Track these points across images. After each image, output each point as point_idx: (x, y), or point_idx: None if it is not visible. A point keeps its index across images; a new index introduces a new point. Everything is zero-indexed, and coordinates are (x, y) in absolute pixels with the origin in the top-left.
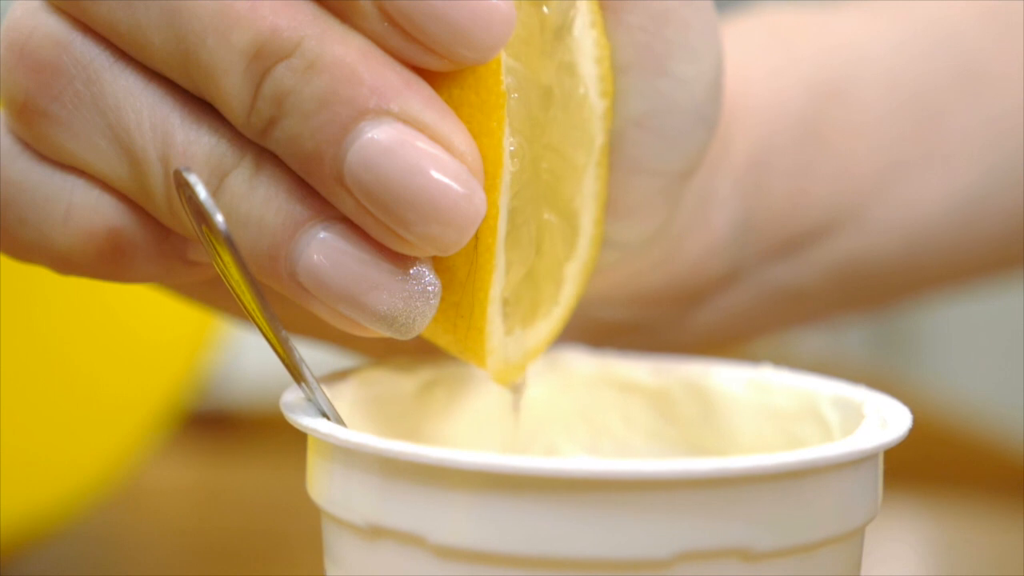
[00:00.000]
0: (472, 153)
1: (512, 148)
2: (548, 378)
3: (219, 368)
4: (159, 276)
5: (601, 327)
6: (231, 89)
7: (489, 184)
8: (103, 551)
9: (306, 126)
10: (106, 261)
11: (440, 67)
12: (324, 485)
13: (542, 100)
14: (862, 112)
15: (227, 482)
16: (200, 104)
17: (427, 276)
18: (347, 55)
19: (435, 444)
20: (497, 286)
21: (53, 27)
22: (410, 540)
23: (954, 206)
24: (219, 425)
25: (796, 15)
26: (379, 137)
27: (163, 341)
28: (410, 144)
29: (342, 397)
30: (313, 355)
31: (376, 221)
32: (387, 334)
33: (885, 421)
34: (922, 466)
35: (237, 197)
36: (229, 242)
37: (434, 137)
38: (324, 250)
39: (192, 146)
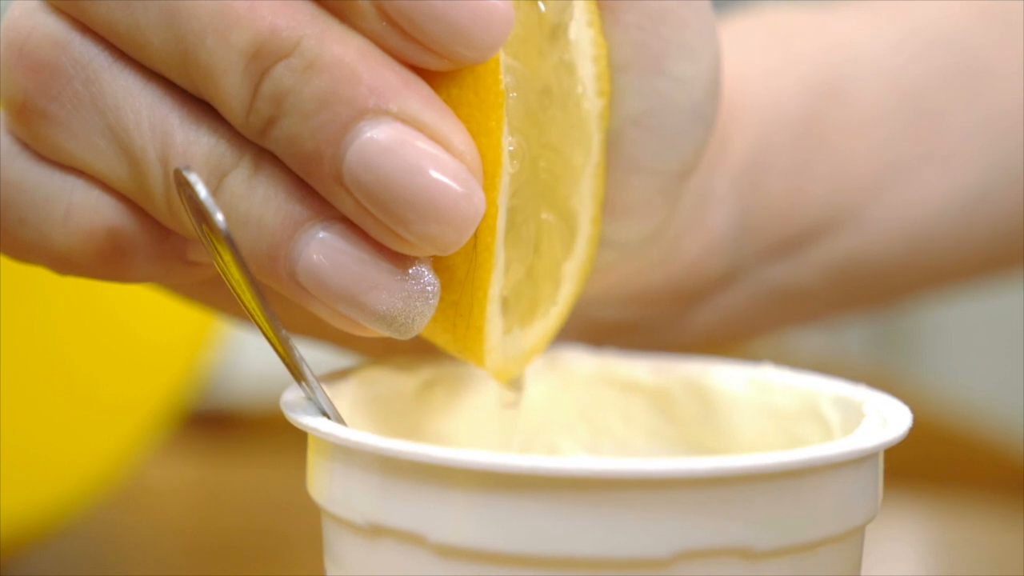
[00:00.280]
0: (471, 152)
1: (511, 148)
2: (548, 377)
3: (219, 367)
4: (159, 276)
5: (599, 327)
6: (230, 89)
7: (488, 183)
8: (103, 550)
9: (305, 126)
10: (106, 261)
11: (439, 66)
12: (324, 484)
13: (541, 99)
14: (860, 111)
15: (227, 481)
16: (199, 104)
17: (426, 276)
18: (346, 55)
19: (435, 443)
20: (496, 285)
21: (52, 27)
22: (410, 539)
23: (953, 205)
24: (219, 424)
25: (794, 15)
26: (378, 137)
27: (163, 340)
28: (409, 144)
29: (342, 396)
30: (313, 354)
31: (375, 221)
32: (386, 334)
33: (885, 420)
34: (922, 465)
35: (236, 197)
36: (229, 241)
37: (433, 137)
38: (323, 250)
39: (191, 146)
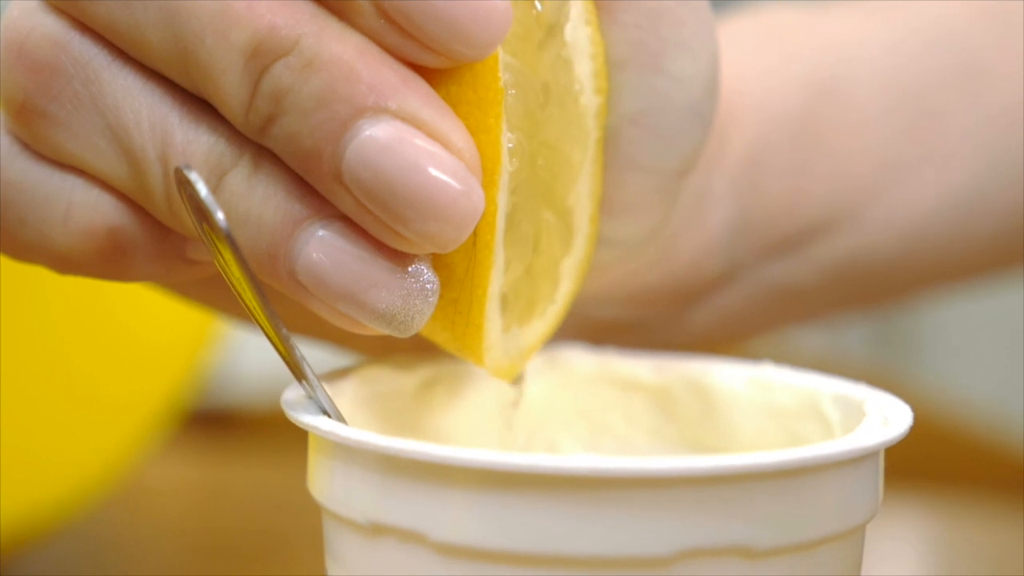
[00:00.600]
0: (470, 150)
1: (511, 145)
2: (549, 376)
3: (220, 366)
4: (158, 275)
5: (598, 326)
6: (229, 87)
7: (487, 181)
8: (104, 550)
9: (304, 124)
10: (106, 260)
11: (437, 64)
12: (325, 483)
13: (539, 96)
14: (858, 111)
15: (228, 480)
16: (199, 103)
17: (425, 274)
18: (345, 53)
19: (435, 441)
20: (495, 283)
21: (51, 27)
22: (411, 537)
23: (951, 204)
24: (220, 423)
25: (792, 14)
26: (377, 135)
27: (164, 340)
28: (408, 142)
29: (343, 395)
30: (313, 353)
31: (375, 219)
32: (386, 332)
33: (886, 419)
34: (923, 464)
35: (236, 196)
36: (230, 240)
37: (432, 134)
38: (323, 248)
39: (191, 145)
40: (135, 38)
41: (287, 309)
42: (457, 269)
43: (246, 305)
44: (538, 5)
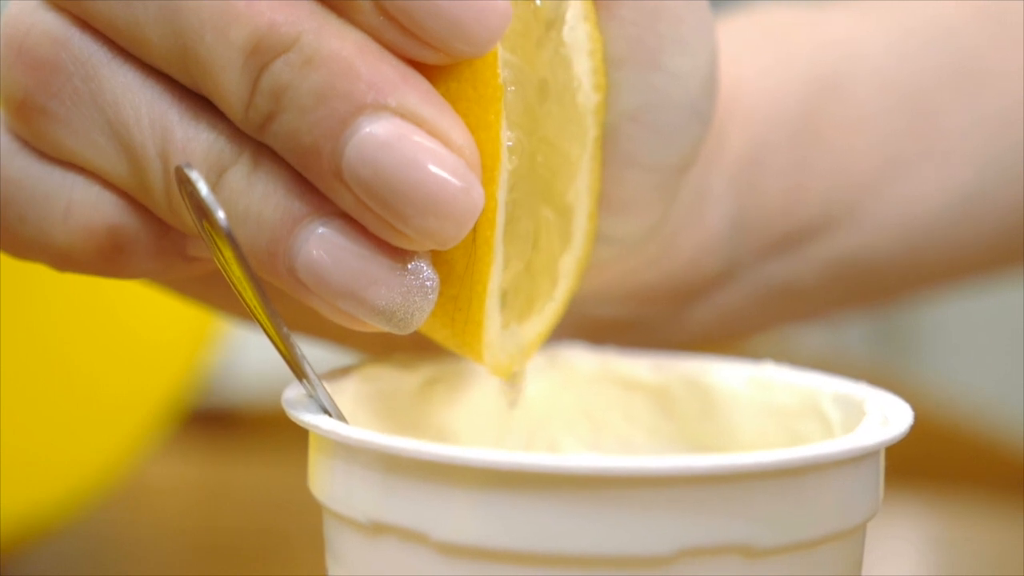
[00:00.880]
0: (469, 147)
1: (510, 143)
2: (550, 375)
3: (220, 365)
4: (158, 272)
5: (597, 324)
6: (229, 84)
7: (487, 177)
8: (104, 549)
9: (304, 121)
10: (106, 258)
11: (437, 61)
12: (326, 482)
13: (538, 93)
14: (857, 109)
15: (228, 480)
16: (199, 100)
17: (425, 271)
18: (344, 50)
19: (436, 440)
20: (495, 279)
21: (51, 24)
22: (412, 537)
23: (951, 203)
24: (220, 422)
25: (791, 13)
26: (377, 132)
27: (164, 339)
28: (408, 138)
29: (343, 393)
30: (314, 352)
31: (374, 216)
32: (386, 329)
33: (886, 418)
34: (923, 463)
35: (236, 193)
36: (231, 238)
37: (431, 131)
38: (323, 245)
39: (191, 142)
40: (135, 35)
41: (287, 307)
42: (457, 266)
43: (246, 304)
44: (537, 2)
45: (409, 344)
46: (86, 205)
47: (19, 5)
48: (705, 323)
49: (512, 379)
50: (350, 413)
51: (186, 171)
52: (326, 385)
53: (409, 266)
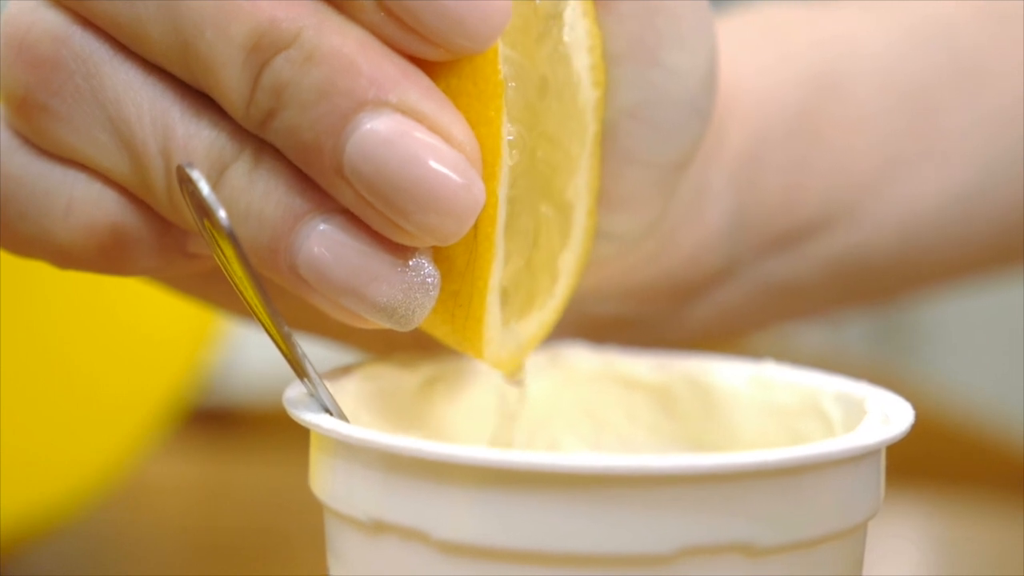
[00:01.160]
0: (470, 143)
1: (511, 138)
2: (551, 374)
3: (221, 364)
4: (159, 269)
5: (596, 322)
6: (230, 81)
7: (488, 173)
8: (104, 548)
9: (305, 117)
10: (107, 255)
11: (437, 57)
12: (327, 480)
13: (538, 89)
14: (857, 107)
15: (229, 479)
16: (200, 97)
17: (426, 267)
18: (345, 46)
19: (437, 439)
20: (496, 275)
21: (52, 22)
22: (413, 535)
23: (950, 202)
24: (221, 421)
25: (790, 11)
26: (378, 128)
27: (165, 338)
28: (409, 135)
29: (344, 392)
30: (315, 351)
31: (376, 212)
32: (387, 326)
33: (887, 417)
34: (924, 462)
35: (237, 190)
36: (232, 237)
37: (433, 127)
38: (324, 242)
39: (192, 139)
40: (136, 32)
41: (288, 304)
42: (458, 262)
43: (248, 303)
44: None
45: (410, 342)
46: (87, 202)
47: (20, 3)
48: (705, 320)
49: (513, 376)
50: (351, 412)
51: (187, 170)
52: (327, 384)
53: (410, 262)
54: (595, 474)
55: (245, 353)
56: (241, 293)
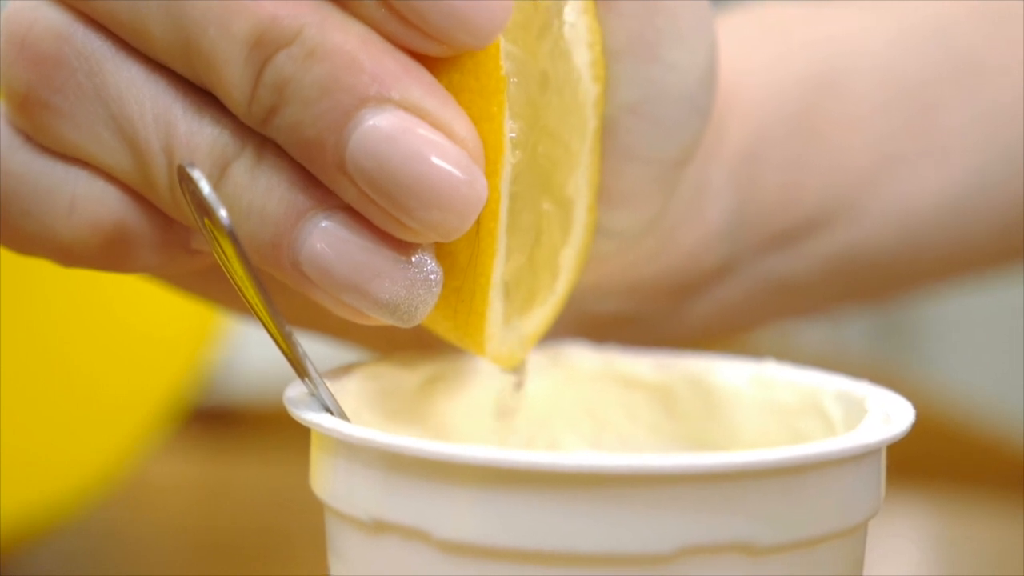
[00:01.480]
0: (473, 139)
1: (513, 135)
2: (551, 373)
3: (222, 363)
4: (162, 265)
5: (597, 319)
6: (232, 78)
7: (490, 169)
8: (105, 548)
9: (307, 114)
10: (110, 252)
11: (439, 53)
12: (328, 480)
13: (540, 85)
14: (856, 105)
15: (230, 478)
16: (202, 94)
17: (429, 264)
18: (347, 43)
19: (438, 439)
20: (498, 271)
21: (54, 19)
22: (414, 535)
23: (950, 200)
24: (222, 421)
25: (790, 9)
26: (380, 124)
27: (166, 337)
28: (411, 131)
29: (345, 392)
30: (315, 350)
31: (378, 208)
32: (390, 322)
33: (888, 416)
34: (925, 461)
35: (239, 187)
36: (233, 237)
37: (435, 124)
38: (326, 239)
39: (194, 136)
40: (138, 29)
41: (287, 301)
42: (460, 257)
43: (248, 302)
44: None
45: (410, 340)
46: (90, 200)
47: (22, 0)
48: (705, 318)
49: (515, 370)
50: (352, 411)
51: (188, 169)
52: (328, 383)
53: (413, 259)
54: (596, 473)
55: (246, 352)
56: (242, 292)
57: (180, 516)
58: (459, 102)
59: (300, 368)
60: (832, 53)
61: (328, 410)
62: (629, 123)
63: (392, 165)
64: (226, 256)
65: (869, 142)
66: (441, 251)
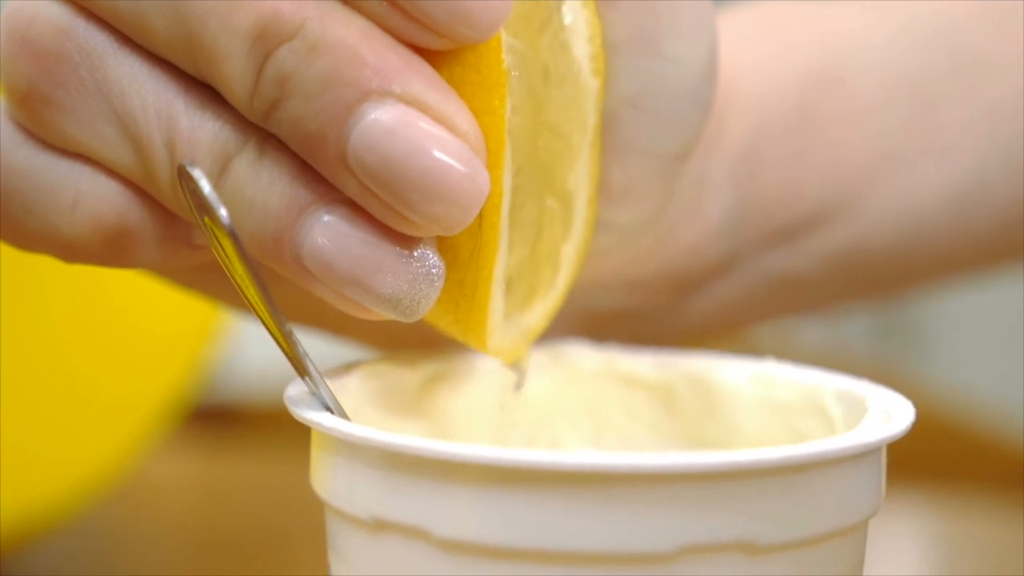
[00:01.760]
0: (474, 132)
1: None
2: (552, 372)
3: (222, 362)
4: (164, 260)
5: (597, 315)
6: (234, 72)
7: (492, 162)
8: (105, 547)
9: (309, 108)
10: (113, 247)
11: (441, 46)
12: (328, 479)
13: (541, 78)
14: (856, 101)
15: (230, 477)
16: (204, 89)
17: (431, 258)
18: (349, 36)
19: (439, 437)
20: (500, 264)
21: (55, 14)
22: (414, 534)
23: (950, 196)
24: (222, 420)
25: (791, 5)
26: (382, 118)
27: (166, 335)
28: (413, 125)
29: (346, 391)
30: (316, 348)
31: (380, 202)
32: (392, 316)
33: (888, 415)
34: (925, 460)
35: (241, 181)
36: (233, 236)
37: (436, 117)
38: (328, 233)
39: (196, 131)
40: (139, 24)
41: (287, 296)
42: (462, 251)
43: (248, 301)
44: None
45: (410, 334)
46: (93, 196)
47: None
48: (705, 313)
49: (515, 365)
50: (352, 410)
51: (188, 169)
52: (328, 382)
53: (415, 253)
54: (596, 472)
55: (246, 351)
56: (242, 291)
57: (180, 515)
58: (461, 96)
59: (300, 367)
60: (833, 49)
61: (328, 409)
62: (629, 117)
63: (394, 159)
64: (226, 255)
65: (869, 139)
66: (443, 244)
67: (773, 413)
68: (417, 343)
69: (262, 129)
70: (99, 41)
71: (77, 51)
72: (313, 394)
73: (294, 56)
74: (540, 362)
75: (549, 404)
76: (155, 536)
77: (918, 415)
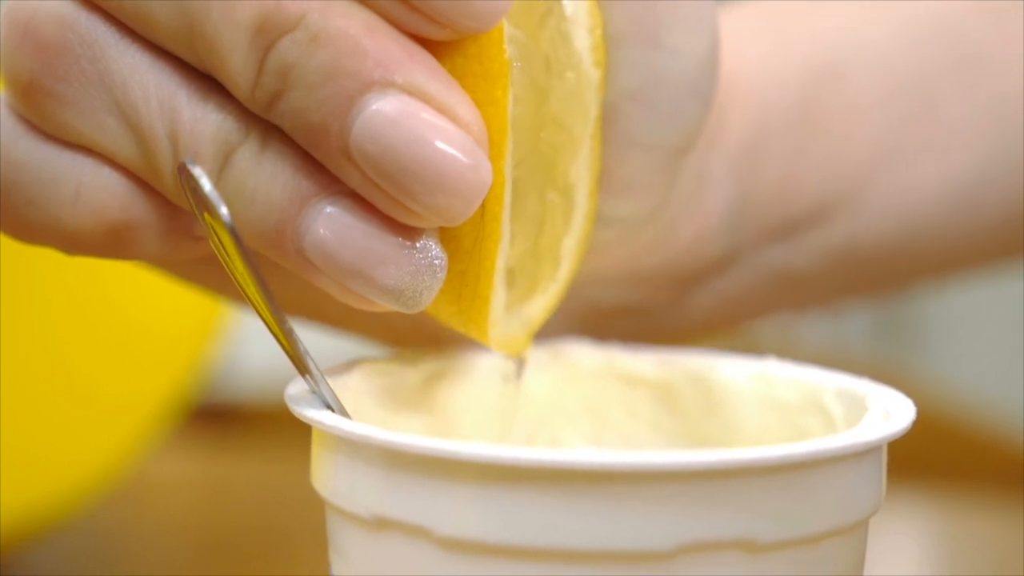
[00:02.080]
0: (477, 123)
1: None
2: (552, 370)
3: (223, 361)
4: (167, 252)
5: (598, 310)
6: (236, 64)
7: (495, 153)
8: (106, 546)
9: (311, 99)
10: (116, 240)
11: (443, 37)
12: (329, 477)
13: (543, 69)
14: (857, 97)
15: (231, 476)
16: (207, 80)
17: (434, 249)
18: (351, 27)
19: (439, 436)
20: (503, 255)
21: (57, 5)
22: (415, 532)
23: (951, 192)
24: (223, 418)
25: (793, 1)
26: (384, 109)
27: (167, 334)
28: (415, 116)
29: (346, 389)
30: (316, 348)
31: (382, 193)
32: (394, 308)
33: (889, 413)
34: (925, 459)
35: (244, 173)
36: (234, 233)
37: (439, 108)
38: (331, 224)
39: (199, 123)
40: (142, 15)
41: (287, 289)
42: (465, 241)
43: (249, 299)
44: None
45: (411, 327)
46: (96, 188)
47: None
48: (705, 309)
49: (515, 358)
50: (353, 408)
51: (189, 167)
52: (329, 380)
53: (418, 244)
54: (596, 470)
55: (247, 350)
56: (242, 289)
57: (181, 514)
58: (463, 86)
59: (301, 365)
60: (834, 45)
61: (329, 407)
62: (630, 109)
63: (396, 149)
64: (227, 253)
65: (870, 134)
66: (445, 235)
67: (774, 411)
68: (418, 336)
69: (264, 121)
70: (101, 32)
71: (79, 42)
72: (314, 392)
73: (296, 47)
74: (540, 360)
75: (549, 402)
76: (155, 536)
77: (918, 414)
